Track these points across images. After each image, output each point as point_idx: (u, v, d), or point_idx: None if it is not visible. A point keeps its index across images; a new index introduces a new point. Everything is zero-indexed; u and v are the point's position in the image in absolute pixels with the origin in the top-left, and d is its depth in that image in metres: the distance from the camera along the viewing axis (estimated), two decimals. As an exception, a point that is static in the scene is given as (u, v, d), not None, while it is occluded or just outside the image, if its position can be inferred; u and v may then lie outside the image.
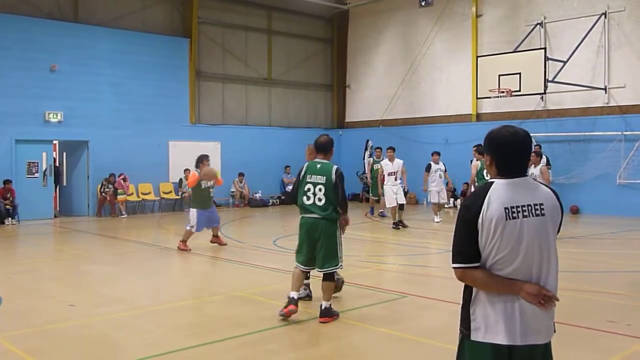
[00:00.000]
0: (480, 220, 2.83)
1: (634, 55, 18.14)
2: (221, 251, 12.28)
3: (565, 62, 17.53)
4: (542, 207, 2.88)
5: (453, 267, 2.94)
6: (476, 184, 12.87)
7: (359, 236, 13.69)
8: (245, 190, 22.75)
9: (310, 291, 7.68)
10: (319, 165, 6.86)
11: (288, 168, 24.11)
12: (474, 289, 2.94)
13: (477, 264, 2.88)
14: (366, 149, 24.59)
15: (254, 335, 6.31)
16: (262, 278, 9.54)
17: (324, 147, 6.96)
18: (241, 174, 22.62)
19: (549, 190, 2.97)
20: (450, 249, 2.99)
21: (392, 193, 15.34)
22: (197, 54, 22.49)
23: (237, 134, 23.24)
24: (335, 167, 6.87)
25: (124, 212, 19.62)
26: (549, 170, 17.85)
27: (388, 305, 7.65)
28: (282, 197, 23.50)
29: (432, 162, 16.34)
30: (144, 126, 20.73)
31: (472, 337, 2.91)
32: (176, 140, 21.61)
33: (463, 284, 3.00)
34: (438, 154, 16.53)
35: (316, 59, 26.51)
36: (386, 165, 15.66)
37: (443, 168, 16.33)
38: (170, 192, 21.43)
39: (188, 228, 12.12)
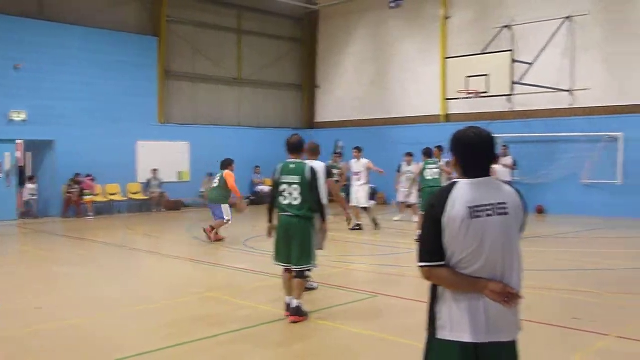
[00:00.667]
0: (444, 220, 2.87)
1: (598, 58, 18.52)
2: (191, 252, 12.20)
3: (531, 64, 17.81)
4: (505, 206, 2.92)
5: (419, 266, 2.97)
6: (419, 184, 13.09)
7: (328, 236, 13.69)
8: (215, 190, 22.60)
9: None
10: (292, 165, 6.89)
11: (258, 168, 24.04)
12: (440, 288, 2.97)
13: (443, 263, 2.92)
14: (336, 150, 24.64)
15: (227, 336, 6.30)
16: (233, 278, 9.51)
17: (295, 147, 7.01)
18: (210, 175, 22.46)
19: (512, 189, 3.02)
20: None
21: (354, 193, 15.41)
22: (166, 53, 22.30)
23: (206, 134, 23.09)
24: (309, 165, 6.92)
25: (90, 213, 19.34)
26: (513, 171, 18.14)
27: (359, 305, 7.69)
28: (253, 198, 23.40)
29: (403, 163, 16.48)
30: (112, 126, 20.47)
31: (438, 336, 2.95)
32: (145, 140, 21.40)
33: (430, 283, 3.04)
34: (410, 155, 16.60)
35: (287, 59, 26.50)
36: (352, 165, 15.77)
37: (413, 169, 16.41)
38: (138, 192, 21.19)
39: (225, 220, 13.21)
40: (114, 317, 7.24)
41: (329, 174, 8.54)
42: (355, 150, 15.90)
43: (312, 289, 8.14)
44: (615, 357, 5.74)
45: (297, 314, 6.77)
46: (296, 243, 6.77)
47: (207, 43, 23.73)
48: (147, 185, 21.20)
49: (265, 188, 23.05)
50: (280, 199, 6.85)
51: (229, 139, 23.54)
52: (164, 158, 21.70)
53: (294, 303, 6.81)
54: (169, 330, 6.59)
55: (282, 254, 6.89)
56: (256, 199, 23.17)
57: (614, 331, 6.37)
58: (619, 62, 18.15)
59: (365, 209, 15.33)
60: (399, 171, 16.48)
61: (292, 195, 6.78)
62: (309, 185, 6.79)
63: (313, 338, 6.38)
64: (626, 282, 9.11)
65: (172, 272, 10.46)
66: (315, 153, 8.49)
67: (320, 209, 7.05)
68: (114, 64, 20.58)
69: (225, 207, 13.32)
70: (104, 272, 10.54)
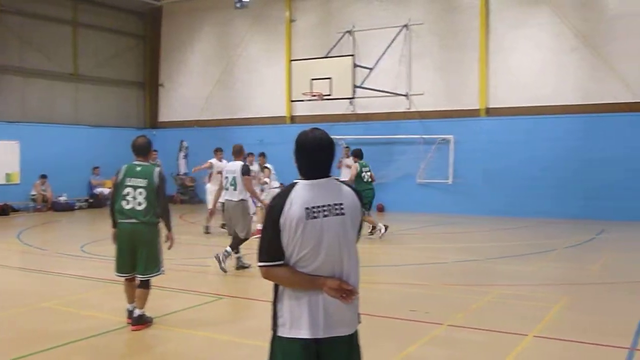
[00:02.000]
0: (282, 220, 2.94)
1: (432, 65, 19.82)
2: (23, 260, 11.32)
3: (371, 69, 18.62)
4: (341, 206, 3.03)
5: (258, 266, 3.03)
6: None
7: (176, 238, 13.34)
8: (48, 193, 21.17)
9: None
10: (138, 168, 6.52)
11: (97, 169, 22.81)
12: (281, 286, 3.04)
13: (281, 262, 2.98)
14: (180, 150, 24.14)
15: (61, 349, 5.90)
16: (68, 287, 8.94)
17: (142, 149, 6.64)
18: (43, 176, 21.01)
19: (350, 190, 3.13)
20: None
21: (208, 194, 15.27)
22: (-9, 44, 20.54)
23: (39, 132, 21.54)
24: (157, 169, 6.61)
25: None
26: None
27: (205, 308, 7.57)
28: (90, 200, 22.23)
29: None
30: None
31: (279, 333, 3.01)
32: (-33, 138, 19.55)
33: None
34: (251, 155, 16.70)
35: (128, 56, 25.46)
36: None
37: (256, 169, 16.57)
38: (-40, 196, 19.30)
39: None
40: None
41: (246, 171, 9.83)
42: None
43: (246, 267, 9.48)
44: (447, 344, 6.16)
45: (140, 322, 6.51)
46: (143, 251, 6.44)
47: (39, 35, 22.12)
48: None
49: (105, 190, 21.99)
50: (123, 203, 6.44)
51: (64, 138, 22.17)
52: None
53: (137, 312, 6.53)
54: (-5, 346, 6.04)
55: (127, 264, 6.51)
56: (94, 202, 22.03)
57: (446, 320, 6.84)
58: (450, 69, 19.56)
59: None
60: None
61: (135, 200, 6.41)
62: (157, 190, 6.48)
63: (158, 346, 6.17)
64: (456, 274, 9.82)
65: (-1, 283, 9.62)
66: (240, 154, 10.27)
67: (165, 216, 6.68)
68: None
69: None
70: None
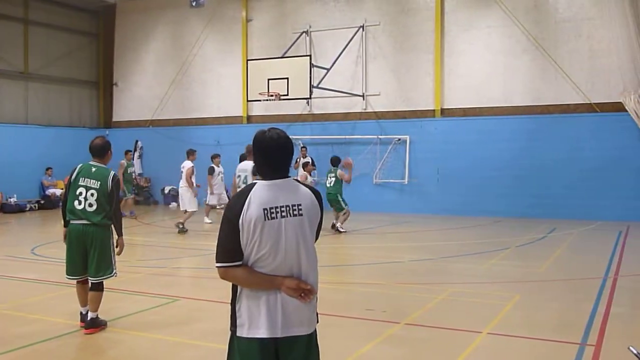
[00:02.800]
0: (241, 221, 2.93)
1: (387, 66, 20.00)
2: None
3: (328, 70, 18.67)
4: (300, 207, 3.04)
5: (216, 266, 3.03)
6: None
7: (128, 240, 13.11)
8: (-2, 194, 20.56)
9: None
10: (94, 169, 6.40)
11: (50, 170, 22.26)
12: (239, 287, 3.04)
13: (239, 263, 2.98)
14: (135, 150, 23.77)
15: (12, 354, 5.74)
16: (19, 290, 8.70)
17: (98, 150, 6.52)
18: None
19: (309, 191, 3.13)
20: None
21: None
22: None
23: (-13, 132, 20.93)
24: (112, 173, 6.51)
25: None
26: (312, 172, 18.89)
27: (159, 310, 7.47)
28: (42, 202, 21.68)
29: (214, 165, 16.30)
30: None
31: (238, 333, 3.01)
32: None
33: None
34: (219, 156, 16.62)
35: (80, 54, 24.92)
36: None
37: (224, 170, 16.51)
38: None
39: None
40: None
41: (256, 172, 9.90)
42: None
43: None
44: (403, 342, 6.21)
45: (93, 325, 6.38)
46: (94, 253, 6.33)
47: (-13, 32, 21.51)
48: None
49: (58, 191, 21.49)
50: (75, 203, 6.32)
51: (14, 138, 21.57)
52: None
53: (90, 315, 6.40)
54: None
55: (78, 267, 6.38)
56: (46, 203, 21.49)
57: (403, 319, 6.91)
58: (405, 70, 19.77)
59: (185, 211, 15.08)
60: (210, 174, 16.16)
61: (87, 201, 6.29)
62: (109, 194, 6.37)
63: (110, 349, 6.06)
64: (412, 273, 9.93)
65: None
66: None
67: (116, 222, 6.58)
68: None
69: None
70: None
